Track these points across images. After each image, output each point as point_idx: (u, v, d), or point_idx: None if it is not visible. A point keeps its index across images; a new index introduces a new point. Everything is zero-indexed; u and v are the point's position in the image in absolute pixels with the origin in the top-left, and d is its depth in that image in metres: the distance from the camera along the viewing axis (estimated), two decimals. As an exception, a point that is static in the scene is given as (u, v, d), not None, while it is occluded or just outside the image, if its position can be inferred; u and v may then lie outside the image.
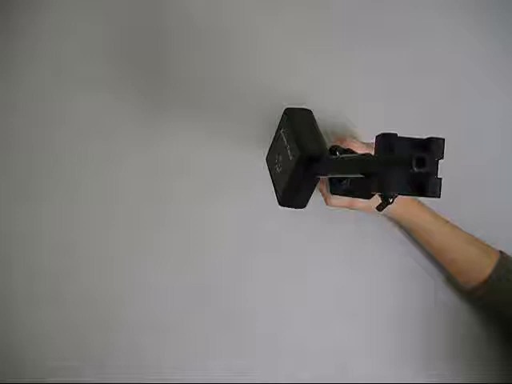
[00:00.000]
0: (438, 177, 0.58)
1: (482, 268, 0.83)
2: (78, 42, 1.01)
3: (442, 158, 0.58)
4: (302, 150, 0.65)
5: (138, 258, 0.98)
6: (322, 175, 0.68)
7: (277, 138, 0.76)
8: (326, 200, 0.84)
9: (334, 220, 0.95)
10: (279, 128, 0.76)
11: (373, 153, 0.62)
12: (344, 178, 0.72)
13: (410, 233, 0.92)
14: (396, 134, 0.58)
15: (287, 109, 0.75)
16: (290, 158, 0.67)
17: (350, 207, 0.82)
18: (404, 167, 0.52)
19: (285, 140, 0.71)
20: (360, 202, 0.80)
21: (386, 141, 0.59)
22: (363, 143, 0.81)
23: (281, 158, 0.71)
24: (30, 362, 0.98)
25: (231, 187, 0.98)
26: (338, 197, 0.78)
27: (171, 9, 1.00)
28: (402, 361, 0.94)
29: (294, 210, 0.71)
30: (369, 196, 0.69)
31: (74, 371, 0.97)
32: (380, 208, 0.64)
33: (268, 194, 0.96)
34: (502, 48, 0.97)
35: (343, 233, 0.96)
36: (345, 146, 0.79)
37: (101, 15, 1.01)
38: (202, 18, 1.00)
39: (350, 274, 0.96)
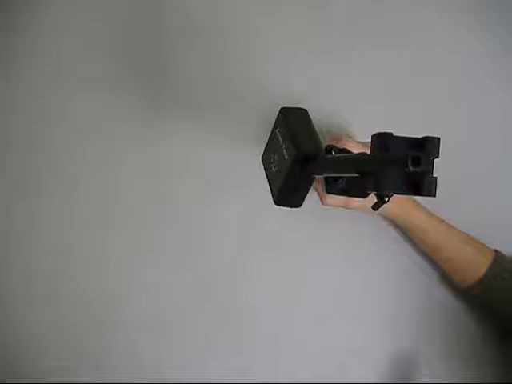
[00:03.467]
0: (434, 176, 0.58)
1: (477, 267, 0.83)
2: (78, 40, 1.01)
3: (438, 157, 0.58)
4: (298, 149, 0.65)
5: (136, 257, 0.98)
6: (317, 174, 0.68)
7: (272, 138, 0.76)
8: (321, 199, 0.84)
9: (331, 219, 0.95)
10: (275, 127, 0.75)
11: (369, 152, 0.61)
12: (339, 178, 0.72)
13: (405, 232, 0.92)
14: (391, 133, 0.58)
15: (283, 108, 0.75)
16: (286, 157, 0.67)
17: (346, 206, 0.82)
18: (399, 166, 0.52)
19: (280, 139, 0.71)
20: (355, 201, 0.80)
21: (381, 140, 0.58)
22: (359, 142, 0.81)
23: (276, 157, 0.71)
24: (27, 363, 0.98)
25: (231, 187, 0.98)
26: (334, 196, 0.78)
27: (171, 9, 1.00)
28: (397, 360, 0.93)
29: (290, 209, 0.71)
30: (364, 195, 0.68)
31: (71, 371, 0.96)
32: (375, 207, 0.64)
33: (267, 193, 0.96)
34: (502, 48, 0.96)
35: (339, 232, 0.96)
36: (340, 145, 0.79)
37: (101, 13, 1.01)
38: (202, 17, 1.00)
39: (347, 272, 0.95)
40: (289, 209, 0.71)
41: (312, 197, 0.90)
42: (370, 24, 0.98)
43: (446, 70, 0.97)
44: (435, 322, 0.93)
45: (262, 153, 0.82)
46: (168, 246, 0.98)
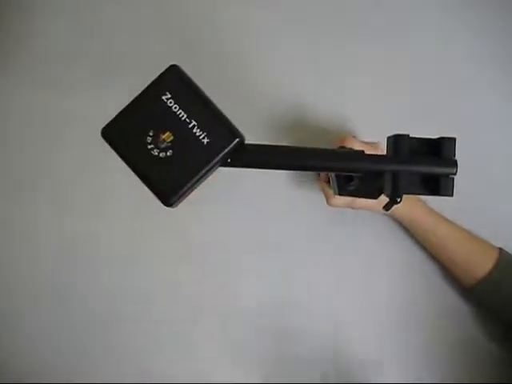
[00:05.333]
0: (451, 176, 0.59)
1: (481, 265, 0.83)
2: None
3: (454, 156, 0.59)
4: (234, 134, 0.52)
5: (137, 257, 0.97)
6: (240, 166, 0.56)
7: (152, 105, 0.52)
8: (327, 199, 0.83)
9: (334, 218, 0.95)
10: (160, 90, 0.52)
11: (372, 152, 0.62)
12: (352, 179, 0.72)
13: (410, 230, 0.91)
14: (408, 135, 0.59)
15: (176, 66, 0.54)
16: (205, 141, 0.51)
17: (352, 206, 0.82)
18: (448, 170, 0.57)
19: (181, 112, 0.52)
20: (362, 201, 0.80)
21: (398, 141, 0.59)
22: (363, 142, 0.81)
23: (171, 137, 0.52)
24: (27, 363, 0.97)
25: (229, 187, 0.96)
26: (340, 196, 0.77)
27: (166, 7, 1.00)
28: (401, 360, 0.94)
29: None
30: (376, 196, 0.68)
31: (73, 371, 0.96)
32: (387, 207, 0.64)
33: (266, 193, 0.96)
34: (502, 46, 0.97)
35: (344, 230, 0.95)
36: (345, 145, 0.79)
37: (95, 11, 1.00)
38: (198, 15, 0.99)
39: (351, 271, 0.95)
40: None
41: (317, 196, 0.90)
42: (370, 23, 0.99)
43: (446, 69, 0.98)
44: (440, 321, 0.94)
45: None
46: (167, 246, 0.97)
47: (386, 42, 0.98)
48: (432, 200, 0.87)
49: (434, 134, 0.60)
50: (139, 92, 0.53)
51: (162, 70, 0.53)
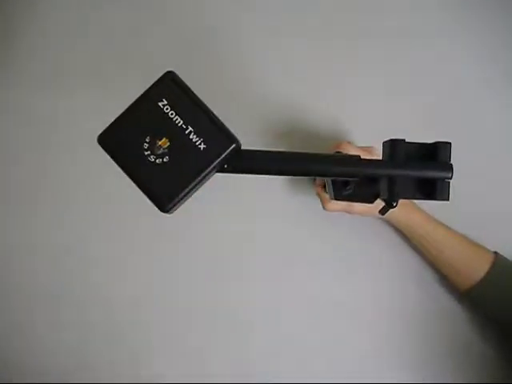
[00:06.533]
0: (446, 180, 0.59)
1: (477, 269, 0.83)
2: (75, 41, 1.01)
3: (450, 160, 0.59)
4: (231, 139, 0.52)
5: (136, 259, 0.98)
6: (236, 172, 0.56)
7: (149, 112, 0.52)
8: (323, 204, 0.83)
9: (332, 222, 0.95)
10: (156, 97, 0.52)
11: (367, 157, 0.62)
12: (348, 184, 0.71)
13: (405, 235, 0.91)
14: (404, 140, 0.59)
15: (172, 73, 0.53)
16: (201, 147, 0.51)
17: (348, 211, 0.82)
18: (443, 174, 0.57)
19: (176, 118, 0.52)
20: (358, 206, 0.80)
21: (394, 146, 0.59)
22: (358, 147, 0.81)
23: (169, 143, 0.52)
24: (27, 364, 0.98)
25: (226, 191, 0.96)
26: (336, 201, 0.77)
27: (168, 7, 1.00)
28: (399, 361, 0.94)
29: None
30: (372, 200, 0.68)
31: (69, 373, 0.97)
32: (383, 212, 0.64)
33: (263, 197, 0.96)
34: (503, 47, 0.97)
35: (341, 235, 0.95)
36: (341, 150, 0.79)
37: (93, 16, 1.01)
38: (197, 15, 0.99)
39: (349, 275, 0.95)
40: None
41: (313, 200, 0.90)
42: (369, 24, 0.98)
43: (446, 69, 0.97)
44: (436, 324, 0.94)
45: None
46: (166, 247, 0.97)
47: (386, 42, 0.98)
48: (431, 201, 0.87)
49: (433, 135, 0.60)
50: (138, 93, 0.53)
51: (162, 69, 0.53)
